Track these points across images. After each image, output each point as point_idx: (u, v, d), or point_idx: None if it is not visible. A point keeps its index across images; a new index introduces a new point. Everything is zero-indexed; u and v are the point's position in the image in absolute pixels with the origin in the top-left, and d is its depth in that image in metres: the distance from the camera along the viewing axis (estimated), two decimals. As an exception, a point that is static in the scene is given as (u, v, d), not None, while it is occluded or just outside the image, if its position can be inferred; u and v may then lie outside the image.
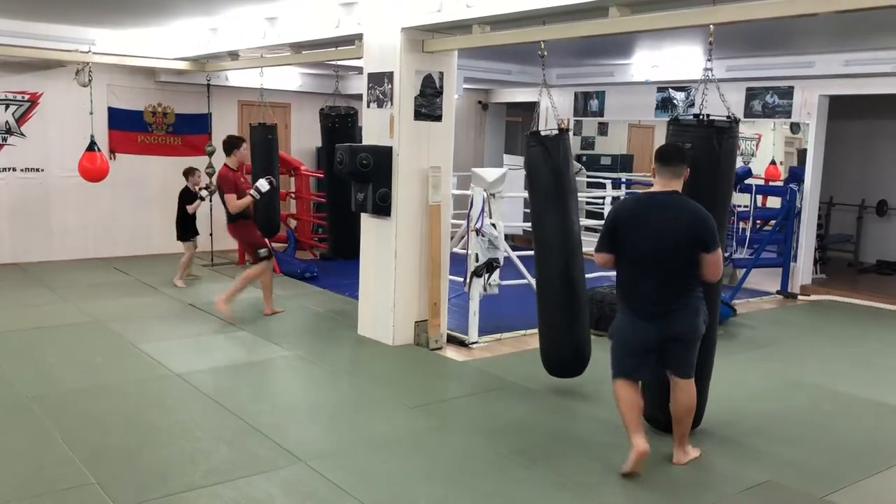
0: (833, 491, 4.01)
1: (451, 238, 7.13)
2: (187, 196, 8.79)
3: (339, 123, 7.72)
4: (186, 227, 8.82)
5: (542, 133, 5.21)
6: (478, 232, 6.50)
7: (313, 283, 9.09)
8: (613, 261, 4.25)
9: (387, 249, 6.46)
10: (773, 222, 10.05)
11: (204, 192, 8.82)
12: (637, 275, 4.18)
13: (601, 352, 6.48)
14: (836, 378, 6.07)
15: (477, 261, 6.55)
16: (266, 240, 7.42)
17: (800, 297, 9.33)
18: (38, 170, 9.81)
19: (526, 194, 6.58)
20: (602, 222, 11.77)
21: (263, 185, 7.07)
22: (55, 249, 9.99)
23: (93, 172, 8.84)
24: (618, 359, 4.32)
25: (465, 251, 6.75)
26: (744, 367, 6.24)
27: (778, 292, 9.40)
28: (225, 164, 7.17)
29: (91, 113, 8.99)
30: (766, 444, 4.66)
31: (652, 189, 4.25)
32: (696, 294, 4.13)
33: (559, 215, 5.27)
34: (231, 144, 7.22)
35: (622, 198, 9.88)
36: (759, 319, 8.09)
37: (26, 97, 9.63)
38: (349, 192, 6.62)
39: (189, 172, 8.85)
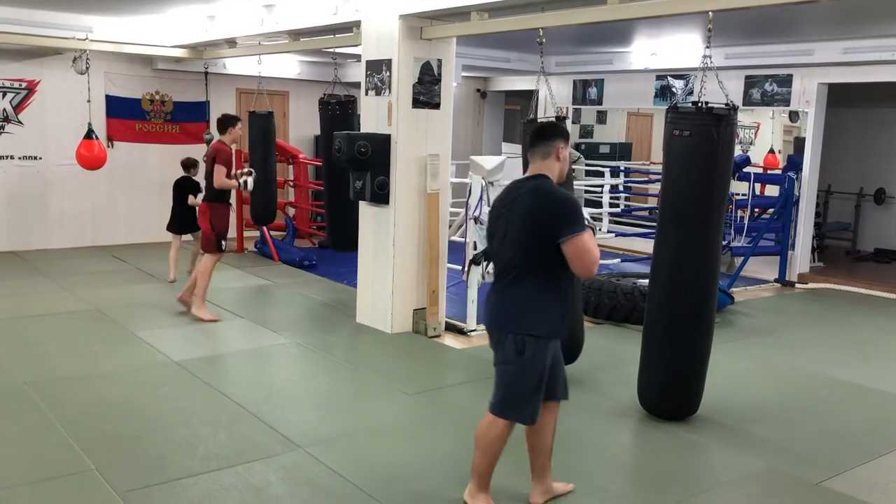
0: (829, 477, 4.03)
1: (450, 226, 7.13)
2: (188, 187, 8.37)
3: (339, 111, 7.68)
4: (189, 220, 8.19)
5: (539, 121, 5.21)
6: (476, 220, 6.50)
7: (312, 271, 9.09)
8: None
9: (385, 237, 6.46)
10: (771, 210, 10.06)
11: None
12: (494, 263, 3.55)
13: (599, 340, 6.52)
14: (833, 365, 6.09)
15: (475, 249, 6.55)
16: (225, 231, 6.84)
17: (798, 285, 9.34)
18: (35, 158, 9.79)
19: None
20: (599, 211, 11.77)
21: (251, 184, 6.76)
22: (53, 237, 9.99)
23: (90, 160, 8.82)
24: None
25: (463, 239, 6.76)
26: (741, 355, 6.26)
27: (776, 280, 9.41)
28: (220, 141, 6.72)
29: (89, 101, 8.97)
30: (763, 431, 4.68)
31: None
32: (529, 300, 3.32)
33: None
34: (226, 122, 6.78)
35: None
36: (757, 307, 8.10)
37: (23, 85, 9.60)
38: (348, 182, 6.60)
39: (191, 164, 8.43)
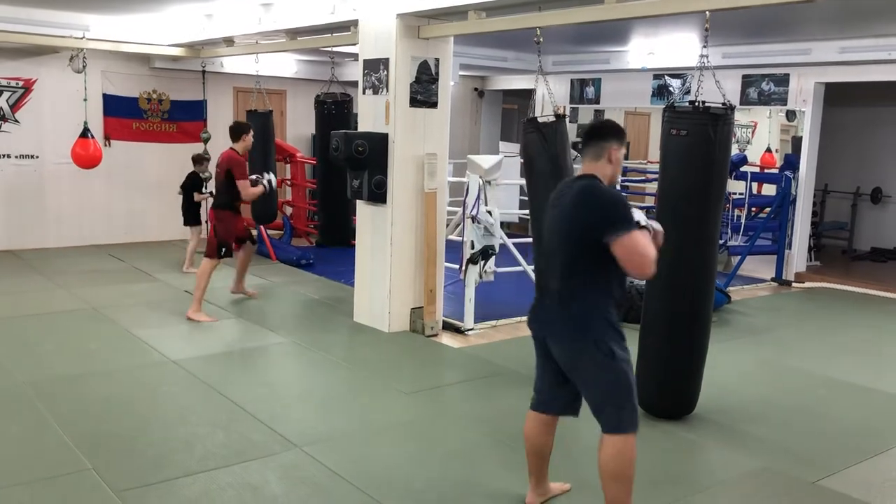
0: (825, 476, 4.04)
1: (447, 225, 7.13)
2: (196, 182, 8.66)
3: (335, 110, 7.69)
4: (193, 213, 8.73)
5: (540, 120, 5.21)
6: (473, 219, 6.51)
7: (309, 270, 9.09)
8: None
9: (382, 236, 6.46)
10: (768, 209, 10.07)
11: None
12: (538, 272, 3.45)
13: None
14: (829, 364, 6.11)
15: (472, 248, 6.56)
16: (229, 238, 6.98)
17: (794, 284, 9.35)
18: (32, 156, 9.77)
19: (522, 181, 6.60)
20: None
21: (273, 181, 7.07)
22: (50, 236, 9.97)
23: (86, 159, 8.81)
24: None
25: (460, 238, 6.76)
26: (738, 354, 6.27)
27: (772, 279, 9.43)
28: (232, 149, 6.85)
29: (85, 99, 8.96)
30: (760, 430, 4.69)
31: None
32: (585, 302, 3.23)
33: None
34: (239, 130, 6.91)
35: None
36: (754, 306, 8.12)
37: (20, 83, 9.58)
38: (342, 181, 6.60)
39: (199, 160, 8.69)
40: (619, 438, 3.19)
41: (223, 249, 6.85)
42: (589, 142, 3.32)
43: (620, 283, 3.27)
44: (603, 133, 3.32)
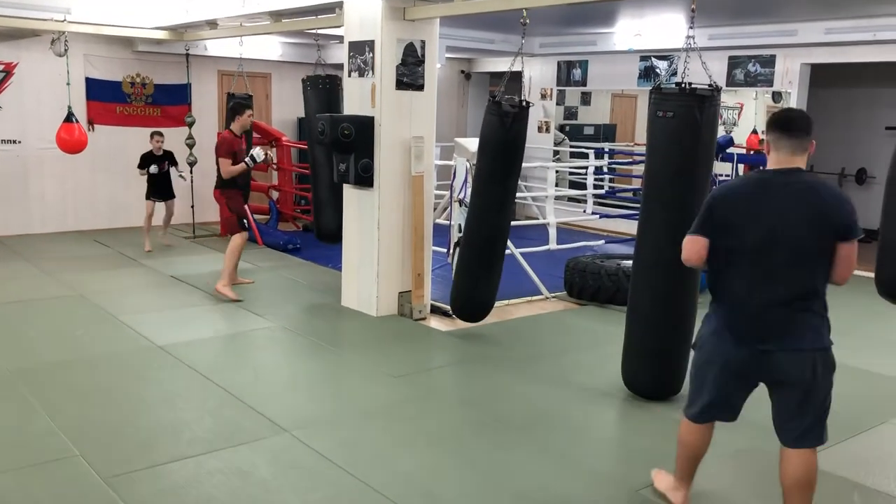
0: (810, 454, 4.08)
1: (434, 209, 7.12)
2: (169, 156, 9.11)
3: (328, 85, 7.49)
4: (156, 189, 9.09)
5: (503, 106, 5.30)
6: (461, 202, 6.51)
7: (296, 254, 9.06)
8: (706, 248, 3.18)
9: (370, 220, 6.44)
10: (754, 191, 10.09)
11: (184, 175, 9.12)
12: (737, 274, 3.12)
13: (584, 321, 6.55)
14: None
15: (460, 231, 6.56)
16: (243, 212, 7.29)
17: (780, 266, 9.39)
18: (15, 141, 9.67)
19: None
20: (584, 192, 11.79)
21: (259, 154, 7.08)
22: (34, 222, 9.89)
23: (71, 144, 8.71)
24: (696, 391, 3.36)
25: (448, 222, 6.75)
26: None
27: (759, 260, 9.46)
28: (229, 129, 7.11)
29: (68, 83, 8.84)
30: (748, 410, 4.70)
31: (769, 167, 3.18)
32: (818, 311, 3.07)
33: (499, 186, 5.64)
34: (234, 110, 7.19)
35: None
36: (740, 288, 8.15)
37: (1, 67, 9.46)
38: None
39: (151, 135, 9.07)
40: (813, 451, 3.18)
41: (244, 221, 7.12)
42: (793, 133, 3.08)
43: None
44: (807, 126, 3.13)
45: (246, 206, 7.32)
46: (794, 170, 3.08)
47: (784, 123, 3.11)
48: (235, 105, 7.30)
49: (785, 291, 3.03)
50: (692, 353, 3.35)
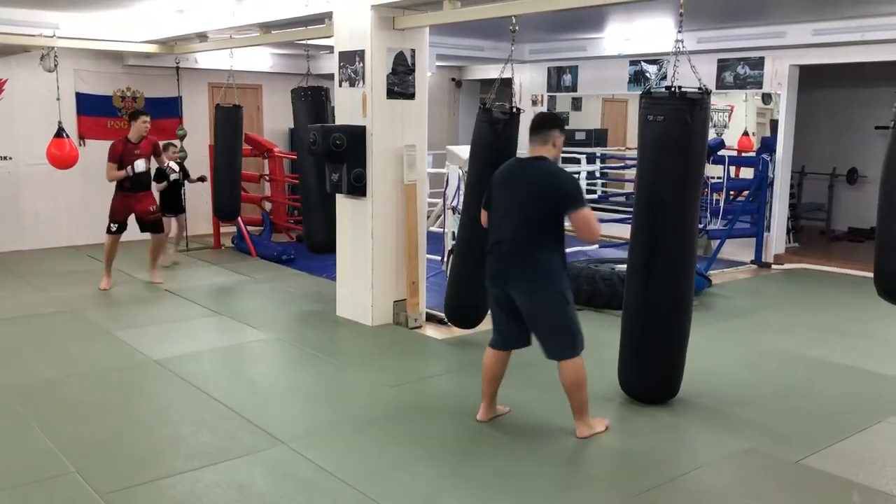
0: (808, 455, 4.09)
1: (428, 217, 7.12)
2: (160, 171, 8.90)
3: (311, 96, 7.53)
4: (166, 203, 8.90)
5: (494, 113, 5.31)
6: (454, 210, 6.51)
7: (290, 265, 9.05)
8: (487, 218, 4.31)
9: (363, 230, 6.44)
10: (746, 193, 10.14)
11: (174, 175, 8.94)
12: (495, 229, 4.20)
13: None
14: (810, 345, 6.17)
15: (454, 239, 6.56)
16: (117, 215, 7.68)
17: (774, 266, 9.43)
18: (6, 158, 9.65)
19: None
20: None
21: (139, 166, 7.38)
22: (27, 238, 9.86)
23: (62, 159, 8.66)
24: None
25: (441, 229, 6.75)
26: (720, 337, 6.32)
27: (752, 262, 9.50)
28: (125, 135, 7.53)
29: (58, 99, 8.81)
30: (743, 411, 4.74)
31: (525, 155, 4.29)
32: (545, 257, 4.04)
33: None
34: (130, 117, 7.69)
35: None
36: (734, 289, 8.18)
37: (-9, 84, 9.45)
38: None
39: (166, 147, 8.87)
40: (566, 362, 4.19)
41: (111, 226, 7.66)
42: (537, 129, 4.12)
43: (563, 245, 4.13)
44: (548, 123, 4.16)
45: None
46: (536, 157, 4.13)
47: (531, 126, 4.17)
48: (132, 112, 7.79)
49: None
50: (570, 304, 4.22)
